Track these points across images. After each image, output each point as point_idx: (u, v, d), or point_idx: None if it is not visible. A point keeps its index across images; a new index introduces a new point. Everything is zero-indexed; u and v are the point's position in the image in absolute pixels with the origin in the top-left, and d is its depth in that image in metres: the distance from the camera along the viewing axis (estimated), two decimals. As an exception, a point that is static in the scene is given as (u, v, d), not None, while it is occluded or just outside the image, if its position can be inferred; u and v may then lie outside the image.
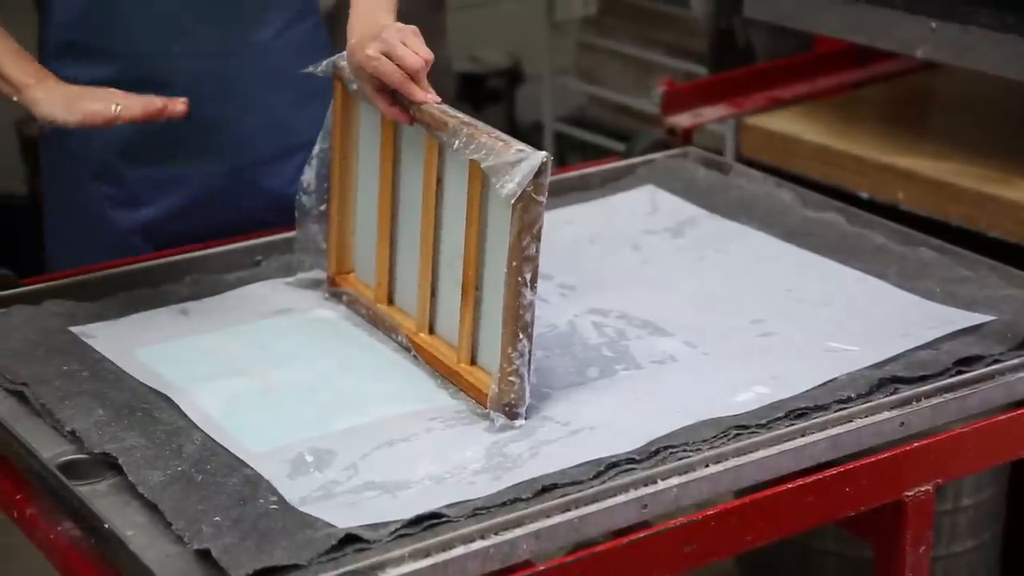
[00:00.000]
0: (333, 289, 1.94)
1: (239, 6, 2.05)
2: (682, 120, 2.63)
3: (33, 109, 1.87)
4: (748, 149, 2.72)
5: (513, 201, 1.58)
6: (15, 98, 1.89)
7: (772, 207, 2.18)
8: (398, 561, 1.40)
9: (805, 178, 2.54)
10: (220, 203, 2.11)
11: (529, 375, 1.63)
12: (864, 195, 2.52)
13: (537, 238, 1.59)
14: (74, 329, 1.83)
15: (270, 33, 2.09)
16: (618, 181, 2.30)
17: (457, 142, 1.66)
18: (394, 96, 1.76)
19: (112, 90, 1.86)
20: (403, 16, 1.87)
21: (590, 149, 4.32)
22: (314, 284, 1.97)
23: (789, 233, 2.10)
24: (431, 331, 1.78)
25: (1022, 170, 2.43)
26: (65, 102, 1.84)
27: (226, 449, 1.58)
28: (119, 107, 1.80)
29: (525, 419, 1.64)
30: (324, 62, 1.89)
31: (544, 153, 1.58)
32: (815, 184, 2.48)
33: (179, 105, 1.82)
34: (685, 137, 2.59)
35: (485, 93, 4.77)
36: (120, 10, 1.99)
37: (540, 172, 1.58)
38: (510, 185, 1.57)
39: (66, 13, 2.01)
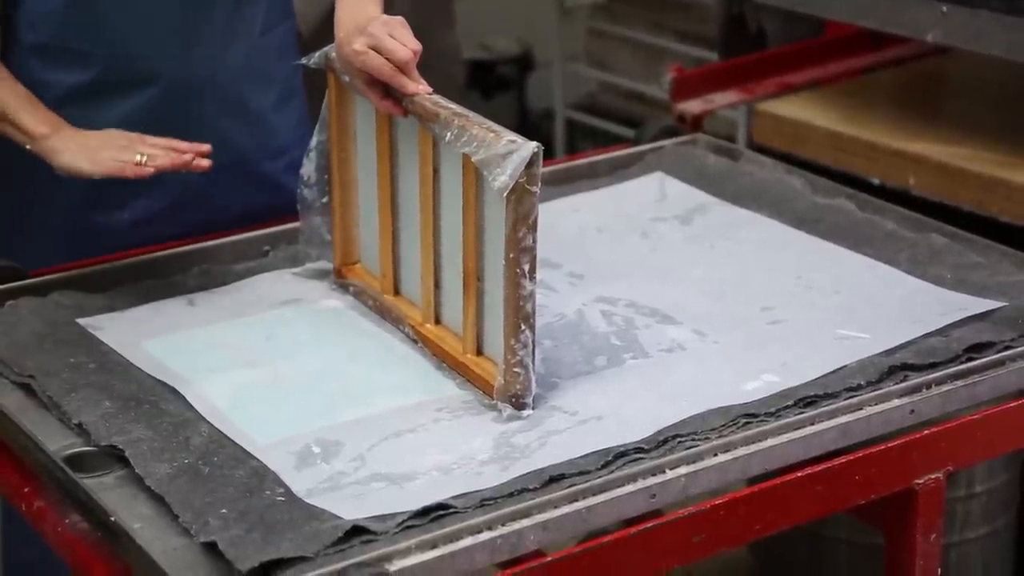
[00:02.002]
0: (340, 280, 1.94)
1: (220, 6, 2.03)
2: (692, 107, 2.62)
3: (51, 159, 1.87)
4: (759, 135, 2.71)
5: (506, 193, 1.57)
6: (28, 147, 1.88)
7: (782, 194, 2.17)
8: (405, 553, 1.40)
9: (816, 164, 2.53)
10: (201, 204, 2.09)
11: (534, 365, 1.62)
12: (875, 180, 2.51)
13: (533, 228, 1.59)
14: (81, 321, 1.83)
15: (251, 33, 2.08)
16: (627, 168, 2.29)
17: (449, 134, 1.65)
18: (386, 89, 1.75)
19: (131, 135, 1.86)
20: (413, 4, 1.86)
21: (600, 136, 4.31)
22: (322, 274, 1.96)
23: (799, 220, 2.09)
24: (437, 322, 1.78)
25: (1034, 155, 2.42)
26: (87, 153, 1.84)
27: (233, 441, 1.58)
28: (144, 157, 1.81)
29: (533, 409, 1.63)
30: (316, 54, 1.88)
31: (535, 144, 1.57)
32: (826, 170, 2.46)
33: (204, 161, 1.83)
34: (695, 124, 2.57)
35: (495, 80, 4.76)
36: (100, 11, 1.96)
37: (532, 162, 1.56)
38: (502, 178, 1.56)
39: (44, 15, 1.99)
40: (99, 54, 1.99)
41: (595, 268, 1.97)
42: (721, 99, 2.69)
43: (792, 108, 2.69)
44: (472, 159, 1.61)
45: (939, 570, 1.70)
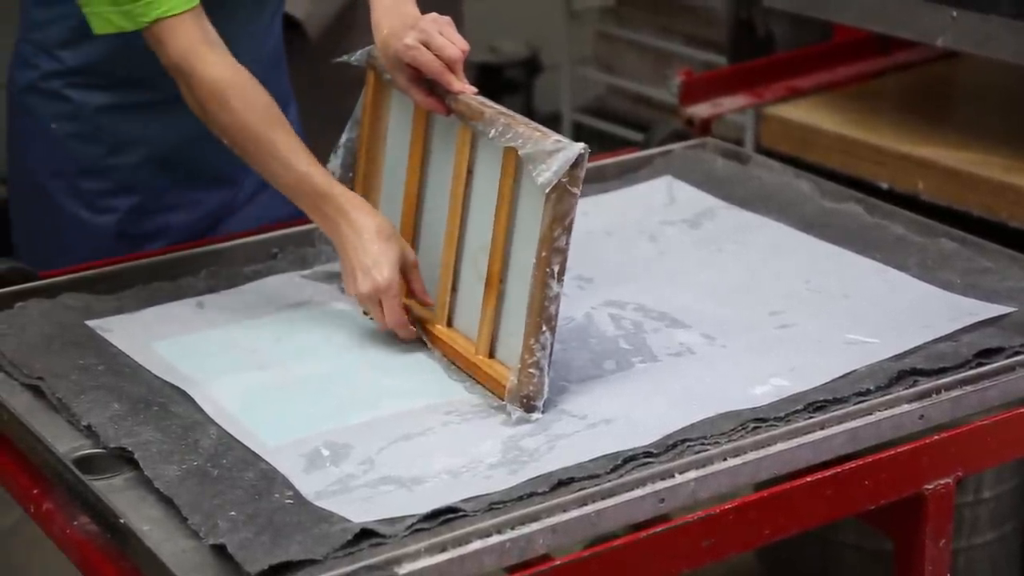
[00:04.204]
0: (349, 281, 1.93)
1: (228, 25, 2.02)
2: (700, 110, 2.62)
3: None
4: (768, 139, 2.71)
5: (548, 190, 1.57)
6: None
7: (791, 198, 2.16)
8: (414, 556, 1.40)
9: (825, 168, 2.53)
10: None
11: (549, 369, 1.62)
12: (884, 185, 2.51)
13: (568, 230, 1.59)
14: (90, 323, 1.83)
15: (258, 48, 2.07)
16: (636, 172, 2.29)
17: (493, 131, 1.66)
18: (430, 87, 1.76)
19: (385, 282, 1.73)
20: (422, 6, 1.86)
21: (608, 139, 4.31)
22: (330, 277, 1.96)
23: (808, 224, 2.09)
24: (449, 324, 1.78)
25: (1043, 160, 2.42)
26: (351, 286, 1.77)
27: (242, 443, 1.58)
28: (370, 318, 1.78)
29: (542, 413, 1.63)
30: (358, 52, 1.90)
31: (582, 145, 1.58)
32: (835, 174, 2.46)
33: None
34: (704, 127, 2.57)
35: (503, 83, 4.76)
36: (144, 44, 1.91)
37: (577, 164, 1.58)
38: (547, 174, 1.57)
39: (91, 62, 1.99)
40: (130, 78, 2.00)
41: (604, 272, 1.97)
42: (729, 103, 2.69)
43: (800, 112, 2.68)
44: (519, 152, 1.62)
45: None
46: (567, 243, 1.60)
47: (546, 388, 1.63)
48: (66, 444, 1.60)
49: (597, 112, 4.53)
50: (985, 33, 2.33)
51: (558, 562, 1.45)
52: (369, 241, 1.73)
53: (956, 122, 2.63)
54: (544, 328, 1.61)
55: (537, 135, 1.62)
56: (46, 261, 2.01)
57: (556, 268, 1.60)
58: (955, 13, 2.35)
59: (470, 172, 1.74)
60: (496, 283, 1.69)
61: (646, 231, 2.10)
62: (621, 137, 4.22)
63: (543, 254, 1.60)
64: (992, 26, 2.32)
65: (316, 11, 2.60)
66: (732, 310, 1.86)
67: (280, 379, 1.72)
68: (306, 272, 1.98)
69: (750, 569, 2.85)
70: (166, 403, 1.65)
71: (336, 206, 1.76)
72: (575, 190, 1.59)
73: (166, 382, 1.70)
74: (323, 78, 2.40)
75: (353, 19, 2.64)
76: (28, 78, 2.02)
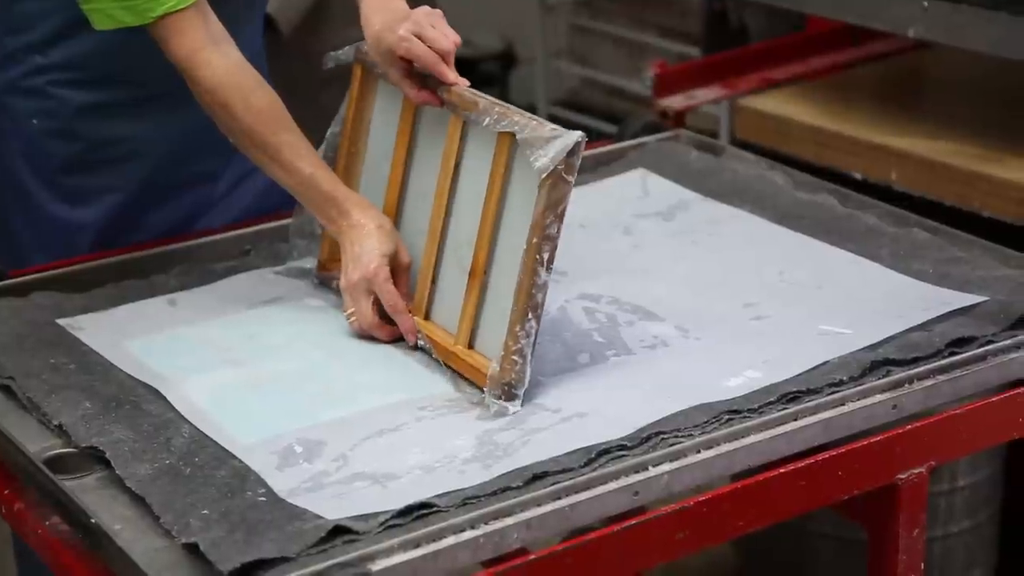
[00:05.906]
0: (324, 274, 1.93)
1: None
2: (674, 102, 2.63)
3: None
4: (742, 131, 2.71)
5: (543, 176, 1.57)
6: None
7: (764, 189, 2.16)
8: (388, 552, 1.39)
9: (799, 159, 2.53)
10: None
11: (532, 357, 1.62)
12: (857, 175, 2.51)
13: (560, 219, 1.59)
14: (61, 321, 1.82)
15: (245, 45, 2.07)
16: (609, 165, 2.28)
17: (488, 119, 1.67)
18: (422, 82, 1.75)
19: (372, 270, 1.74)
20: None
21: (584, 132, 4.32)
22: (303, 273, 1.96)
23: (782, 216, 2.09)
24: (427, 317, 1.77)
25: (1015, 149, 2.42)
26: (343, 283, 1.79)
27: (214, 441, 1.57)
28: (352, 318, 1.78)
29: (521, 404, 1.62)
30: (346, 48, 1.90)
31: (579, 133, 1.59)
32: (809, 165, 2.47)
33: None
34: (678, 120, 2.58)
35: (478, 77, 4.75)
36: (134, 50, 1.91)
37: (573, 151, 1.58)
38: (543, 159, 1.57)
39: (81, 53, 1.96)
40: (116, 76, 1.98)
41: (577, 265, 1.97)
42: (703, 95, 2.70)
43: (774, 103, 2.69)
44: (516, 136, 1.62)
45: (922, 564, 1.70)
46: (558, 231, 1.60)
47: (527, 378, 1.63)
48: (37, 444, 1.59)
49: (572, 105, 4.52)
50: (956, 23, 2.33)
51: (533, 556, 1.44)
52: (366, 236, 1.77)
53: (929, 112, 2.63)
54: (530, 316, 1.61)
55: (533, 123, 1.63)
56: (24, 260, 2.00)
57: (546, 256, 1.60)
58: (926, 3, 2.36)
59: (458, 165, 1.74)
60: (480, 273, 1.68)
61: (620, 224, 2.10)
62: (596, 129, 4.22)
63: (534, 240, 1.60)
64: (963, 16, 2.32)
65: (286, 5, 2.59)
66: (706, 302, 1.86)
67: (253, 376, 1.71)
68: (279, 268, 1.98)
69: (727, 560, 2.86)
70: (138, 401, 1.65)
71: (340, 209, 1.79)
72: (570, 178, 1.59)
73: (138, 380, 1.69)
74: (295, 74, 2.40)
75: (325, 14, 2.63)
76: (8, 77, 2.00)
